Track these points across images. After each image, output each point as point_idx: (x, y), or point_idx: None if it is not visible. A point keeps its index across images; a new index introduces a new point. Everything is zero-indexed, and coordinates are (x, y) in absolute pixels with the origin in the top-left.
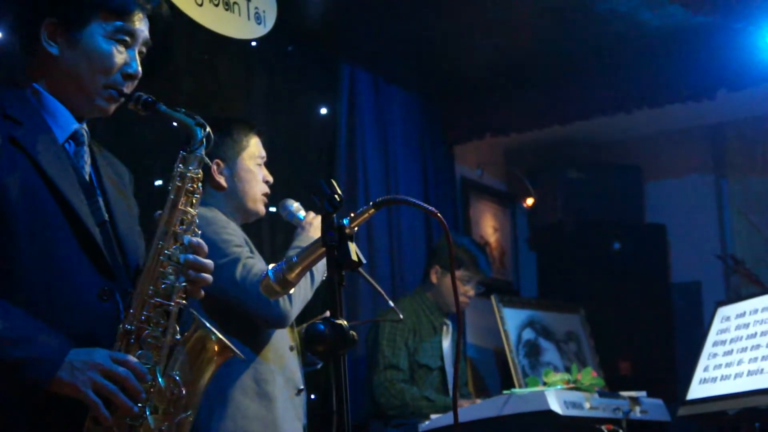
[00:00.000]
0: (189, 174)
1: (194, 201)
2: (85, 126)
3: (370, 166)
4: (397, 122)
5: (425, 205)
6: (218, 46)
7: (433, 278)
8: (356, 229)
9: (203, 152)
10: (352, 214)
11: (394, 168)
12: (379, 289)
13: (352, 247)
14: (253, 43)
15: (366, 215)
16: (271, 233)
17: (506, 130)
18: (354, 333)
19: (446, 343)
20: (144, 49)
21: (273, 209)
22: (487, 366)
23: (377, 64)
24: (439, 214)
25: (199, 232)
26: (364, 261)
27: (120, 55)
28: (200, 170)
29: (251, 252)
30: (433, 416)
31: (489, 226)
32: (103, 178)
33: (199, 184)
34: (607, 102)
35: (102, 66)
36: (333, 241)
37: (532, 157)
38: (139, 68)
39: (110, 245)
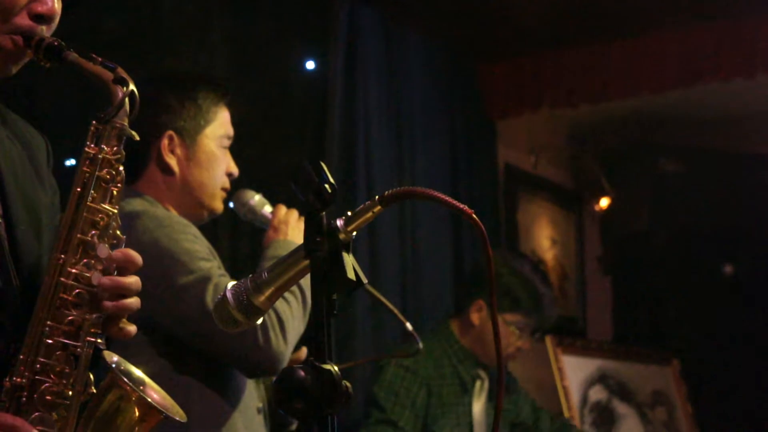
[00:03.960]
0: (103, 155)
1: (113, 194)
2: None
3: (376, 145)
4: (415, 84)
5: (454, 201)
6: None
7: (475, 318)
8: (354, 234)
9: (125, 121)
10: (350, 214)
11: (409, 149)
12: (391, 306)
13: (349, 260)
14: None
15: (369, 214)
16: (232, 239)
17: (572, 101)
18: (348, 384)
19: (478, 407)
20: None
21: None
22: None
23: (388, 0)
24: (474, 216)
25: (123, 237)
26: (364, 281)
27: None
28: (120, 149)
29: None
30: None
31: (544, 237)
32: None
33: (120, 169)
34: (715, 63)
35: None
36: (320, 251)
37: (608, 140)
38: (57, 5)
39: (1, 260)
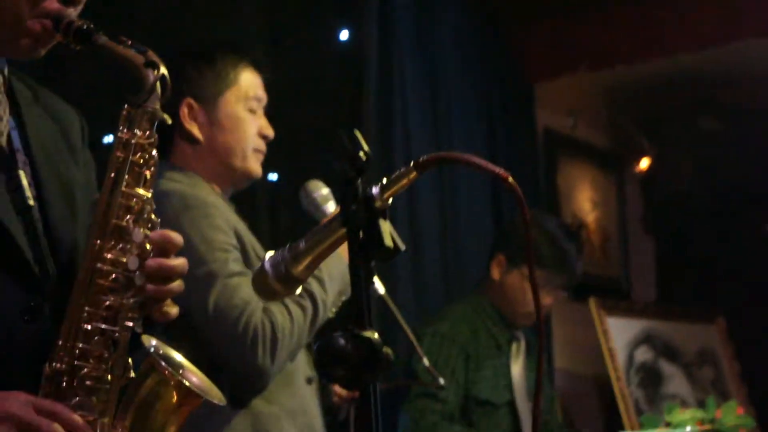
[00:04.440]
0: (135, 139)
1: (147, 178)
2: (2, 64)
3: (413, 112)
4: (450, 50)
5: (490, 165)
6: None
7: (495, 273)
8: (390, 201)
9: (156, 105)
10: (386, 180)
11: (446, 115)
12: (406, 327)
13: (386, 227)
14: None
15: (405, 181)
16: (271, 216)
17: (610, 61)
18: (388, 350)
19: (517, 368)
20: None
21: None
22: (583, 400)
23: None
24: (510, 179)
25: (158, 220)
26: (402, 247)
27: None
28: (153, 132)
29: (243, 257)
30: None
31: (586, 200)
32: (30, 140)
33: (153, 153)
34: (755, 18)
35: None
36: (357, 219)
37: (648, 101)
38: None
39: (36, 242)
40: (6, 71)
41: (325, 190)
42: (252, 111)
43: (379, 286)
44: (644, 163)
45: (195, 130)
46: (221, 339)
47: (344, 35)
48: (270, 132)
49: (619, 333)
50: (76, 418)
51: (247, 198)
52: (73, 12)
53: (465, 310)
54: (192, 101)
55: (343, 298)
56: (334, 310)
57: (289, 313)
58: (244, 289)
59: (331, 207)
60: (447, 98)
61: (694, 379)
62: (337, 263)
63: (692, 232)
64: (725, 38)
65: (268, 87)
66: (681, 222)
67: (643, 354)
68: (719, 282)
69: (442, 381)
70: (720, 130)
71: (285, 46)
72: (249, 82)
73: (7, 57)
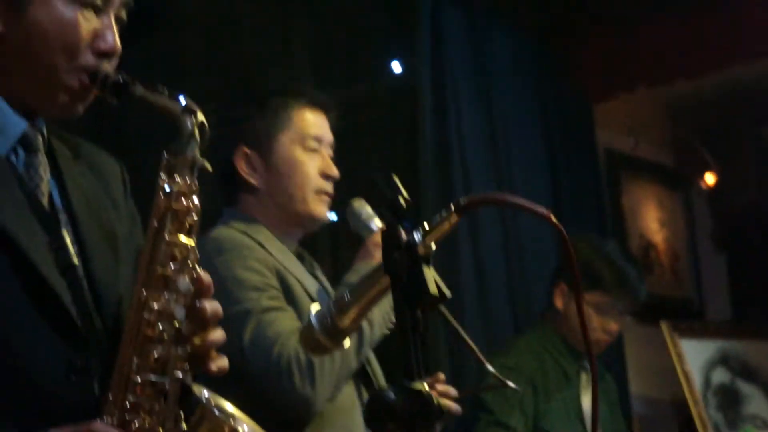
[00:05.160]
0: (177, 188)
1: (189, 225)
2: (41, 125)
3: (470, 141)
4: (505, 76)
5: (531, 204)
6: None
7: (558, 302)
8: (434, 247)
9: (195, 151)
10: (426, 225)
11: (505, 143)
12: (470, 343)
13: (429, 274)
14: None
15: (447, 225)
16: (332, 245)
17: (669, 77)
18: (441, 401)
19: (587, 400)
20: (123, 13)
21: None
22: (662, 425)
23: None
24: (551, 216)
25: (200, 270)
26: (447, 294)
27: (87, 24)
28: (194, 180)
29: (286, 297)
30: None
31: (652, 219)
32: (72, 198)
33: (195, 201)
34: None
35: (62, 42)
36: (401, 267)
37: (708, 114)
38: (117, 41)
39: (82, 299)
40: (45, 131)
41: (368, 209)
42: (313, 151)
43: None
44: (710, 178)
45: (252, 179)
46: (258, 372)
47: (396, 67)
48: (333, 171)
49: (694, 355)
50: None
51: (308, 239)
52: (108, 66)
53: (530, 342)
54: (247, 149)
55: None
56: (387, 328)
57: None
58: (278, 323)
59: (377, 223)
60: (504, 124)
61: None
62: None
63: (765, 245)
64: None
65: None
66: (752, 236)
67: (720, 375)
68: None
69: (512, 384)
70: None
71: (335, 83)
72: (306, 121)
73: (45, 116)
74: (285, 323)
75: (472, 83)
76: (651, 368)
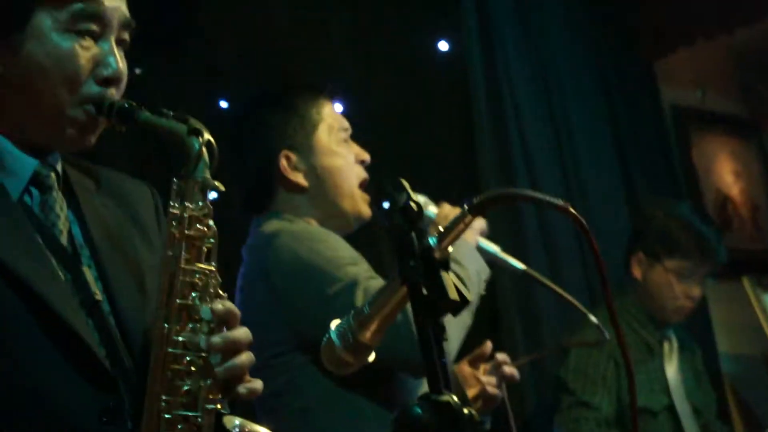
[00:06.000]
0: (189, 213)
1: (207, 249)
2: (54, 160)
3: (526, 110)
4: (557, 40)
5: (547, 198)
6: None
7: (636, 272)
8: (450, 250)
9: (206, 173)
10: (441, 229)
11: (561, 108)
12: (572, 299)
13: (448, 279)
14: None
15: (462, 226)
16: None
17: (727, 27)
18: (473, 412)
19: (672, 370)
20: (126, 35)
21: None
22: (755, 383)
23: None
24: (571, 210)
25: (224, 294)
26: (469, 297)
27: (86, 53)
28: (206, 202)
29: (370, 267)
30: None
31: (726, 172)
32: (92, 232)
33: (210, 224)
34: None
35: (62, 75)
36: (417, 274)
37: None
38: (122, 65)
39: (109, 338)
40: (59, 166)
41: (421, 198)
42: (343, 141)
43: (517, 263)
44: None
45: (300, 179)
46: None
47: (444, 46)
48: (366, 156)
49: None
50: None
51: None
52: (114, 92)
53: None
54: (288, 152)
55: (484, 278)
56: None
57: None
58: None
59: (432, 210)
60: (561, 90)
61: None
62: (462, 245)
63: None
64: None
65: (374, 112)
66: None
67: None
68: None
69: (608, 335)
70: None
71: (382, 67)
72: (330, 114)
73: (58, 151)
74: None
75: (523, 51)
76: (735, 325)
